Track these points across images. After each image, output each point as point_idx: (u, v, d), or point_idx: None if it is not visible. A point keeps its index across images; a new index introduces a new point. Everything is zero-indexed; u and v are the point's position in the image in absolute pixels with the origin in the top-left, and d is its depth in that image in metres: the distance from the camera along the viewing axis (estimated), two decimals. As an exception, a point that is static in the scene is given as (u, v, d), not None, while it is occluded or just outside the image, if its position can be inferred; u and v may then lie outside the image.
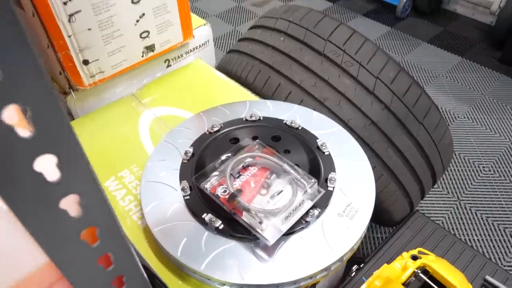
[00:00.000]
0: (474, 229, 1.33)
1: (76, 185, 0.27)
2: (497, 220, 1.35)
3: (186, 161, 0.71)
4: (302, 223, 0.61)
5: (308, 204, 0.61)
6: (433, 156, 0.94)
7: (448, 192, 1.44)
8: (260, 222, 0.58)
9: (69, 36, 0.75)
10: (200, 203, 0.64)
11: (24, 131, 0.23)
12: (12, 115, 0.22)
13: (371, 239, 1.31)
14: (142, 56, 0.91)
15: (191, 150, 0.73)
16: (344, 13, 2.47)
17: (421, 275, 0.78)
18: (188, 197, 0.65)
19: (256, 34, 1.04)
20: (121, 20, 0.82)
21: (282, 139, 0.74)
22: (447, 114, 1.74)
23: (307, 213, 0.61)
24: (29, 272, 0.30)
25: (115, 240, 0.33)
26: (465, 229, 1.33)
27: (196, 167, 0.70)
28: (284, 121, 0.78)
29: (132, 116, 0.89)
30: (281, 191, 0.63)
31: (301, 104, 0.86)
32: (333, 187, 0.66)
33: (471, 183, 1.47)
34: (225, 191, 0.62)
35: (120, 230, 0.33)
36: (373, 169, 0.85)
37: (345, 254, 0.59)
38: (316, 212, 0.62)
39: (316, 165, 0.69)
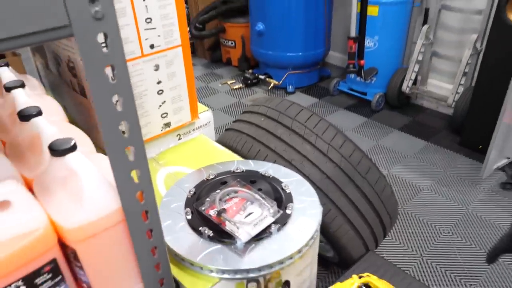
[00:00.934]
0: (435, 280, 1.54)
1: (144, 184, 0.59)
2: (454, 273, 1.57)
3: (189, 197, 1.02)
4: (267, 233, 0.89)
5: (270, 219, 0.90)
6: (377, 205, 1.23)
7: (412, 250, 1.68)
8: (238, 228, 0.86)
9: (115, 115, 1.12)
10: (198, 221, 0.93)
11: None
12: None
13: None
14: (161, 130, 1.26)
15: (193, 190, 1.04)
16: (329, 107, 2.92)
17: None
18: (190, 217, 0.95)
19: (245, 116, 1.41)
20: (149, 105, 1.19)
21: (257, 182, 1.05)
22: (413, 187, 2.04)
23: (270, 226, 0.90)
24: (112, 209, 0.60)
25: (156, 221, 0.64)
26: (428, 279, 1.55)
27: (196, 199, 1.00)
28: (260, 172, 1.10)
29: (152, 173, 1.21)
30: (253, 212, 0.92)
31: (275, 163, 1.18)
32: (291, 212, 0.95)
33: (433, 243, 1.71)
34: (215, 212, 0.92)
35: (158, 215, 0.64)
36: (328, 211, 1.15)
37: (293, 253, 0.87)
38: (277, 226, 0.91)
39: (280, 197, 0.99)
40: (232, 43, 3.58)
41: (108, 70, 0.49)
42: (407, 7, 2.68)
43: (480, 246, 1.68)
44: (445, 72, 2.79)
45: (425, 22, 2.69)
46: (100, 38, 0.47)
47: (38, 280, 0.60)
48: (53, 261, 0.61)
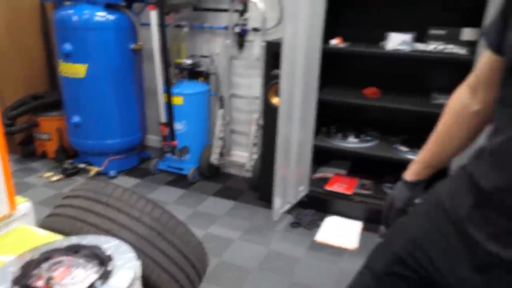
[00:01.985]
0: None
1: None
2: (262, 299, 1.98)
3: (16, 277, 1.14)
4: (92, 288, 1.10)
5: (94, 276, 1.12)
6: (187, 253, 1.56)
7: None
8: (64, 289, 1.05)
9: None
10: (27, 294, 1.07)
11: None
12: None
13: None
14: (-21, 226, 1.33)
15: (19, 270, 1.16)
16: (151, 186, 3.20)
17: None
18: (18, 293, 1.07)
19: (64, 201, 1.59)
20: (-35, 203, 1.27)
21: (80, 251, 1.24)
22: (227, 240, 2.46)
23: (94, 283, 1.11)
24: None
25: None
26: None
27: (23, 277, 1.13)
28: (81, 244, 1.30)
29: (-30, 267, 1.26)
30: (78, 275, 1.12)
31: (95, 235, 1.39)
32: (111, 268, 1.18)
33: (245, 281, 2.10)
34: (43, 281, 1.08)
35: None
36: (147, 266, 1.41)
37: (116, 297, 1.10)
38: (101, 281, 1.12)
39: (101, 259, 1.21)
40: (47, 136, 3.59)
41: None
42: (205, 96, 3.31)
43: (281, 274, 2.16)
44: (243, 144, 3.47)
45: (221, 106, 3.35)
46: None
47: None
48: None
